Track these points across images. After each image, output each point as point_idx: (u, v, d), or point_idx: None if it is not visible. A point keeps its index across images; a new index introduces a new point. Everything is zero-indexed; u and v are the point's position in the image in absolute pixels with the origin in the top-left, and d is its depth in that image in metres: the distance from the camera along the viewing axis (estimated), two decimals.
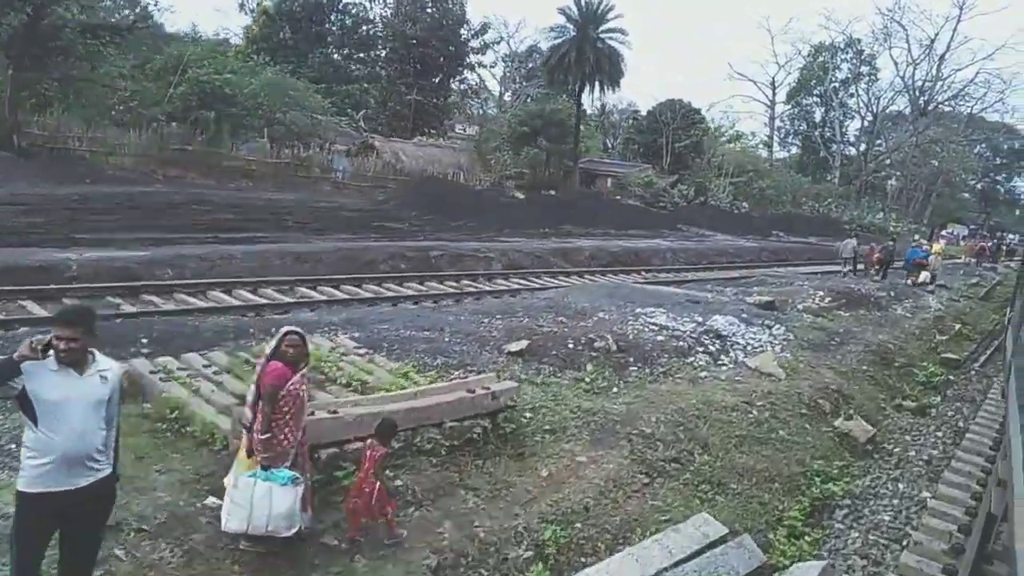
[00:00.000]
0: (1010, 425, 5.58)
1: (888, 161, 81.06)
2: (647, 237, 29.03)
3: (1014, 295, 15.21)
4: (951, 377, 13.68)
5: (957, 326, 17.85)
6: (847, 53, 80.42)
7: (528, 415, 7.34)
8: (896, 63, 76.01)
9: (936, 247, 32.16)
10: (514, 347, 9.20)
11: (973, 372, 14.53)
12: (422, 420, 6.12)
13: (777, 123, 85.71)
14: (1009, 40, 66.88)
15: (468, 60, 54.44)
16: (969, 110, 79.02)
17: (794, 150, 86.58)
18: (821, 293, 17.26)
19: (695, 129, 58.43)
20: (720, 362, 10.76)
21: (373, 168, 32.09)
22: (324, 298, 14.19)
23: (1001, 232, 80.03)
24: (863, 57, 79.56)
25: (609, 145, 76.48)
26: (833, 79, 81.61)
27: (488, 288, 16.28)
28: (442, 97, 52.31)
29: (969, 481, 7.98)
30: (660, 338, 11.01)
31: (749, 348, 11.74)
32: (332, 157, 31.88)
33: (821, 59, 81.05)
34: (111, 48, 25.30)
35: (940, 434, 10.26)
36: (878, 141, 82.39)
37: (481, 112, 68.69)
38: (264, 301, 13.60)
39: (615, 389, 8.88)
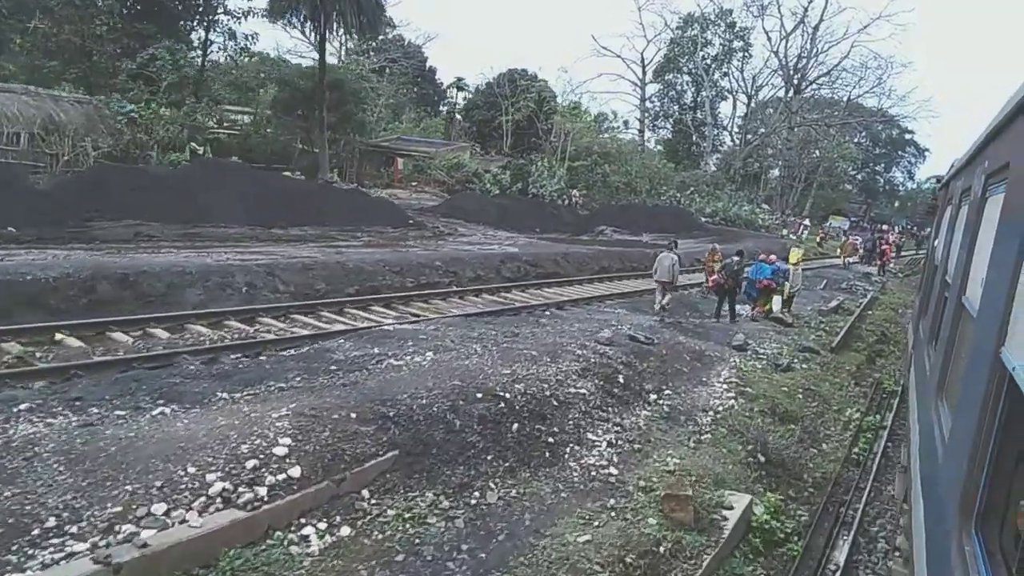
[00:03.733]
0: (911, 413, 6.16)
1: (769, 151, 72.42)
2: (303, 241, 16.84)
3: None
4: None
5: (728, 510, 6.04)
6: (719, 26, 71.17)
7: None
8: (769, 36, 67.39)
9: (794, 254, 20.90)
10: None
11: None
12: None
13: (647, 104, 75.70)
14: (884, 11, 58.29)
15: (223, 5, 40.27)
16: (847, 94, 71.34)
17: (664, 134, 76.91)
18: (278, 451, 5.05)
19: (523, 99, 46.62)
20: None
21: None
22: None
23: (879, 225, 72.84)
24: (736, 31, 70.54)
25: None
26: (705, 56, 72.24)
27: None
28: (180, 52, 38.01)
29: None
30: None
31: None
32: None
33: (691, 32, 71.45)
34: None
35: None
36: (760, 129, 73.63)
37: None
38: None
39: None
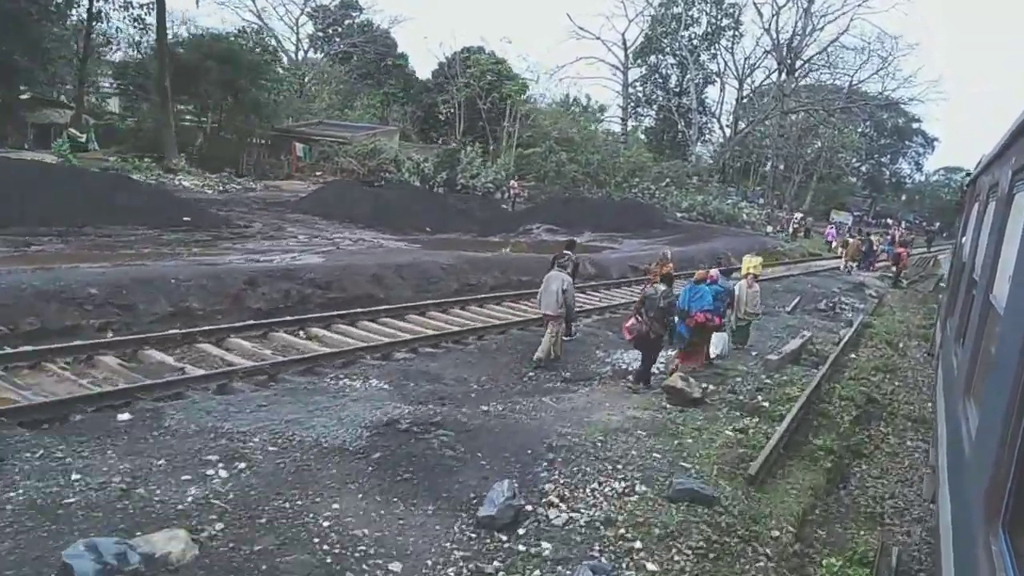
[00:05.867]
0: (938, 414, 6.17)
1: (766, 141, 64.66)
2: None
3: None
4: None
5: None
6: (705, 2, 63.74)
7: None
8: (760, 11, 59.50)
9: (747, 262, 13.66)
10: None
11: None
12: None
13: (630, 90, 68.23)
14: None
15: None
16: (849, 79, 63.30)
17: (648, 122, 69.62)
18: None
19: (467, 78, 39.51)
20: None
21: None
22: None
23: (884, 219, 65.11)
24: (723, 7, 63.06)
25: None
26: (692, 35, 64.78)
27: None
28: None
29: None
30: None
31: None
32: None
33: (676, 9, 64.03)
34: None
35: None
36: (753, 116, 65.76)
37: None
38: None
39: None
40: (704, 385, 9.14)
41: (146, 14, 37.12)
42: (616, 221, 30.63)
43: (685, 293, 10.29)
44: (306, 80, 53.51)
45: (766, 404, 8.84)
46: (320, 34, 64.64)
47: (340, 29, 63.72)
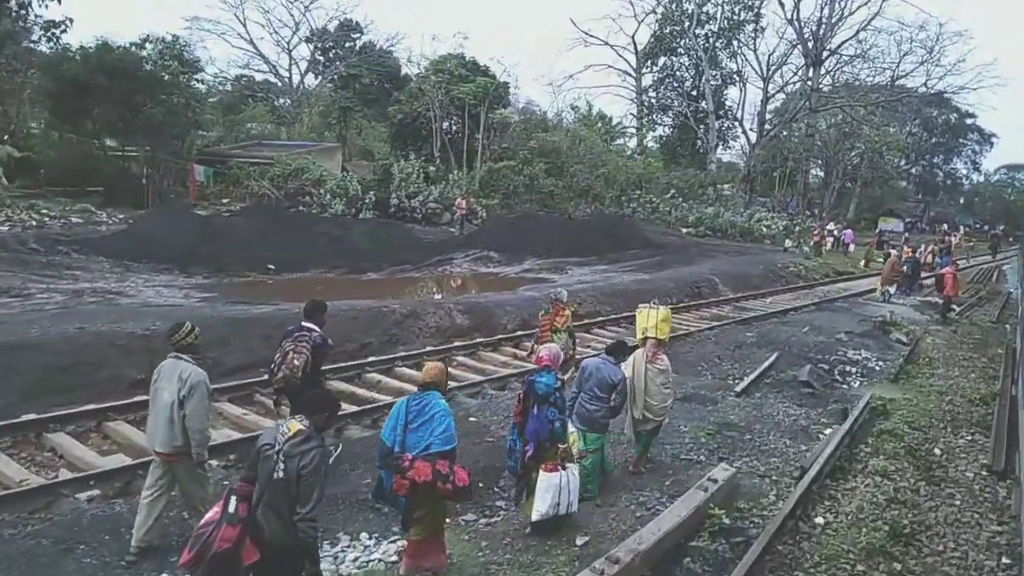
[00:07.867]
0: (1021, 424, 5.93)
1: (802, 145, 56.87)
2: None
3: None
4: None
5: None
6: None
7: None
8: (781, 1, 52.26)
9: (646, 319, 7.15)
10: None
11: None
12: None
13: (644, 97, 61.71)
14: None
15: None
16: (892, 73, 55.12)
17: (663, 130, 62.79)
18: None
19: (419, 82, 33.92)
20: None
21: None
22: None
23: (923, 225, 56.23)
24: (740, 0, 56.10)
25: None
26: (709, 32, 58.05)
27: None
28: None
29: None
30: None
31: None
32: None
33: (689, 6, 57.52)
34: None
35: None
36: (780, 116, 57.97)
37: None
38: None
39: None
40: None
41: (63, 30, 32.75)
42: (578, 243, 24.26)
43: (394, 412, 4.10)
44: (300, 105, 50.15)
45: None
46: (320, 58, 61.12)
47: (340, 52, 59.89)
